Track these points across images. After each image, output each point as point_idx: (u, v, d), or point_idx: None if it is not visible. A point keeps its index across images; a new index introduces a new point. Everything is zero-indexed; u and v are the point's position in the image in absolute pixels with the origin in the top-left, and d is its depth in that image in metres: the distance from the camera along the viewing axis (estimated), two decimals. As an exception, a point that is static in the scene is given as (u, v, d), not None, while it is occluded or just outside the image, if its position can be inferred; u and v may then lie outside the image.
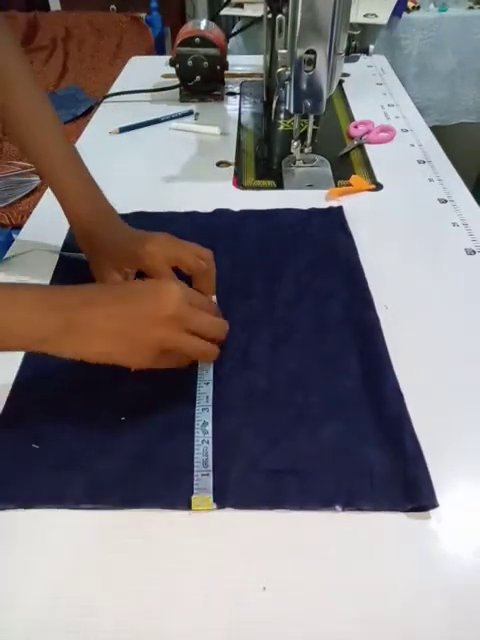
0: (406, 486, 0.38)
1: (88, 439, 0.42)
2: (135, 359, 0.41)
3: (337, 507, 0.37)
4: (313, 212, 0.67)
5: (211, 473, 0.39)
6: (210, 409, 0.44)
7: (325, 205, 0.68)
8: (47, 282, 0.57)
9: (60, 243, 0.63)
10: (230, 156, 0.81)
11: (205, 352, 0.44)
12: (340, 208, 0.67)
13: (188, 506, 0.38)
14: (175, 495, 0.38)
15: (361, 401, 0.44)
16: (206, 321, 0.43)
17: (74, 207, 0.55)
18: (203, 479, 0.39)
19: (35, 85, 0.54)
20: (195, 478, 0.39)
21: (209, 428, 0.42)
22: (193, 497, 0.38)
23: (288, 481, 0.39)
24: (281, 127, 0.90)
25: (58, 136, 0.55)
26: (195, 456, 0.40)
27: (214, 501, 0.38)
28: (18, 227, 1.22)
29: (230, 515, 0.38)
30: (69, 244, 0.62)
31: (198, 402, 0.44)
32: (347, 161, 0.79)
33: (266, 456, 0.40)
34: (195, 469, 0.39)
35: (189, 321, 0.41)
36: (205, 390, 0.45)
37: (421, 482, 0.38)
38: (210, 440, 0.41)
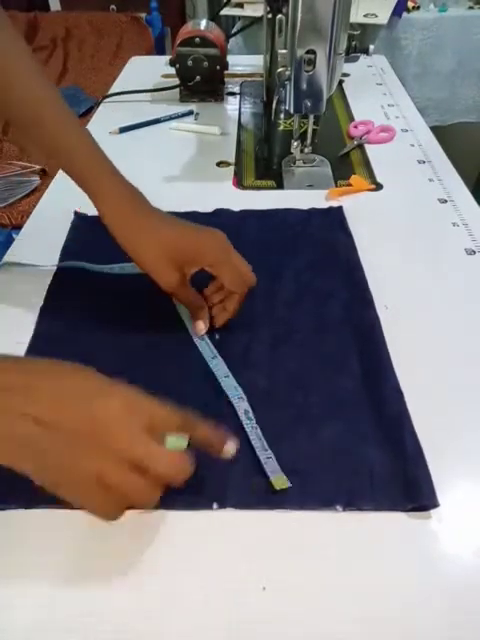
0: (407, 486, 0.38)
1: None
2: (48, 483, 0.32)
3: (338, 507, 0.37)
4: (313, 212, 0.67)
5: (273, 455, 0.40)
6: (245, 397, 0.44)
7: (325, 205, 0.68)
8: (42, 293, 0.56)
9: (60, 244, 0.62)
10: (230, 156, 0.81)
11: (136, 491, 0.32)
12: (340, 208, 0.67)
13: (189, 506, 0.38)
14: (176, 495, 0.38)
15: (361, 401, 0.44)
16: (155, 453, 0.32)
17: (109, 199, 0.50)
18: (270, 462, 0.40)
19: (41, 80, 0.50)
20: (263, 463, 0.39)
21: (252, 415, 0.43)
22: (273, 479, 0.38)
23: (289, 481, 0.39)
24: (281, 127, 0.90)
25: (73, 129, 0.52)
26: (253, 443, 0.41)
27: (215, 502, 0.38)
28: (18, 227, 1.22)
29: (230, 515, 0.38)
30: (69, 248, 0.62)
31: (229, 393, 0.45)
32: (347, 161, 0.79)
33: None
34: (259, 454, 0.40)
35: (129, 449, 0.31)
36: (229, 382, 0.45)
37: (422, 481, 0.38)
38: (256, 426, 0.42)
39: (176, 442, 0.34)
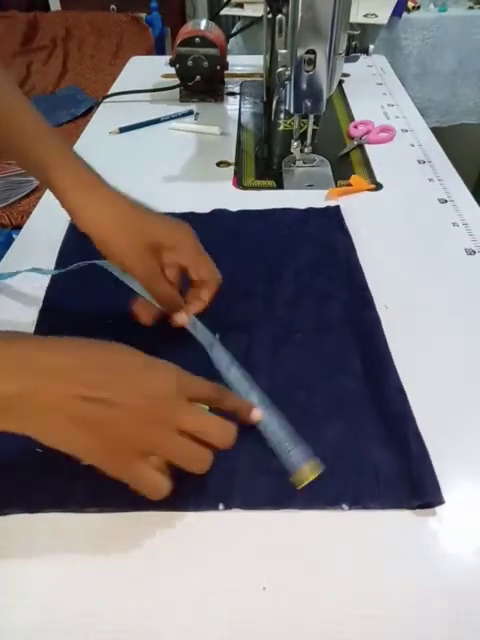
0: (412, 484, 0.38)
1: None
2: (104, 462, 0.33)
3: (344, 506, 0.38)
4: (311, 211, 0.67)
5: (303, 442, 0.40)
6: (259, 392, 0.44)
7: (325, 205, 0.68)
8: (42, 294, 0.56)
9: (59, 244, 0.62)
10: (230, 156, 0.81)
11: (196, 459, 0.34)
12: (337, 207, 0.67)
13: (193, 507, 0.38)
14: (182, 496, 0.38)
15: (364, 401, 0.44)
16: (207, 421, 0.35)
17: (76, 196, 0.46)
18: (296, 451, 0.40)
19: (9, 89, 0.48)
20: (288, 453, 0.40)
21: (274, 406, 0.43)
22: (303, 467, 0.39)
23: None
24: (281, 127, 0.90)
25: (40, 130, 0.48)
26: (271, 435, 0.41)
27: (221, 502, 0.38)
28: (18, 227, 1.22)
29: (230, 515, 0.38)
30: (68, 247, 0.61)
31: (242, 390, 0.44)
32: (347, 161, 0.79)
33: (271, 456, 0.40)
34: (279, 451, 0.40)
35: (183, 419, 0.33)
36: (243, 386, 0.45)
37: (427, 479, 0.38)
38: (283, 416, 0.42)
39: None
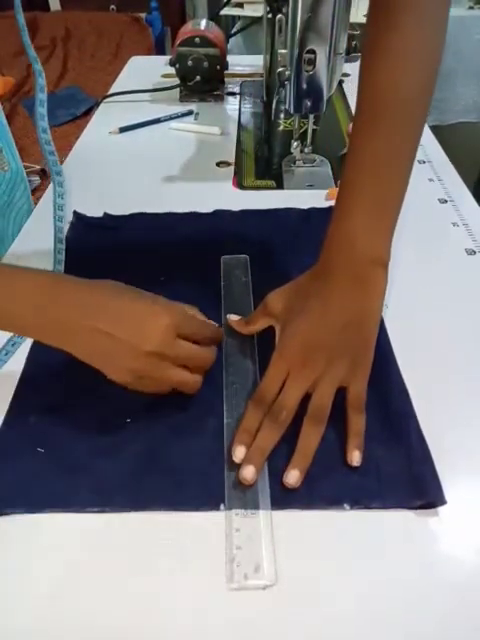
0: (414, 483, 0.38)
1: (94, 441, 0.42)
2: (113, 376, 0.41)
3: (345, 506, 0.37)
4: (312, 212, 0.67)
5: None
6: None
7: (325, 205, 0.68)
8: None
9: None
10: (230, 156, 0.81)
11: (185, 383, 0.43)
12: None
13: (196, 507, 0.38)
14: (183, 496, 0.38)
15: (366, 400, 0.44)
16: (190, 353, 0.42)
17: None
18: None
19: None
20: None
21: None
22: None
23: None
24: (281, 127, 0.90)
25: None
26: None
27: (222, 502, 0.38)
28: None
29: (230, 515, 0.37)
30: (69, 247, 0.61)
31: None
32: (347, 161, 0.79)
33: (272, 456, 0.40)
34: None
35: (170, 355, 0.41)
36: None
37: (429, 479, 0.38)
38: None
39: None
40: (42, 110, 0.74)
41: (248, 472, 0.38)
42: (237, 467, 0.39)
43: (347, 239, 0.47)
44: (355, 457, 0.39)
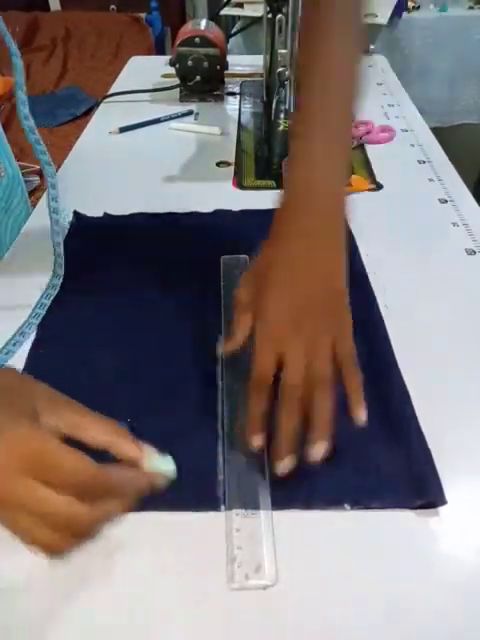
0: (414, 483, 0.38)
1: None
2: None
3: (346, 506, 0.37)
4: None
5: None
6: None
7: (325, 205, 0.68)
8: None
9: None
10: (230, 156, 0.81)
11: (46, 544, 0.31)
12: None
13: (196, 507, 0.38)
14: (183, 496, 0.38)
15: (367, 399, 0.44)
16: (41, 503, 0.29)
17: None
18: None
19: None
20: None
21: None
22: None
23: (295, 481, 0.39)
24: (281, 127, 0.90)
25: None
26: None
27: (223, 503, 0.38)
28: (18, 227, 1.22)
29: (230, 515, 0.37)
30: (68, 247, 0.61)
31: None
32: (347, 161, 0.79)
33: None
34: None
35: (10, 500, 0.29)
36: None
37: (429, 479, 0.38)
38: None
39: (162, 464, 0.34)
40: (25, 110, 0.71)
41: (285, 466, 0.36)
42: (236, 467, 0.39)
43: (305, 187, 0.46)
44: (362, 415, 0.37)
